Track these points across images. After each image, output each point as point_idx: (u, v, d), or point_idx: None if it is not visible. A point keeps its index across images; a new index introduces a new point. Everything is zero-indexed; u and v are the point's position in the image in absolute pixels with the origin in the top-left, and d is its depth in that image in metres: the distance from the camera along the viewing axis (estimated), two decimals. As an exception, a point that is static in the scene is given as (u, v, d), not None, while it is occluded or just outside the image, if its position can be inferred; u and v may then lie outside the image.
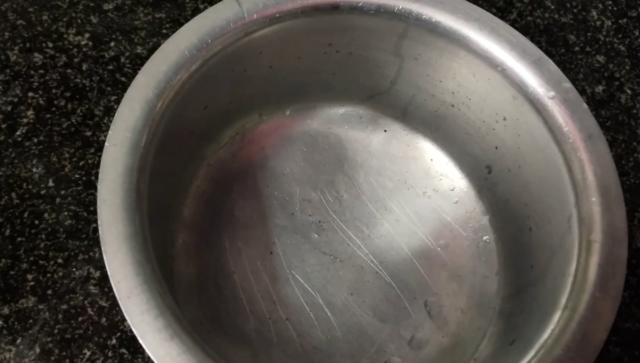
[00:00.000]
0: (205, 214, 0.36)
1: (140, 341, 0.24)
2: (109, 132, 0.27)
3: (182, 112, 0.30)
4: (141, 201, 0.27)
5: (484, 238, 0.37)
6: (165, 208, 0.34)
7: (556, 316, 0.27)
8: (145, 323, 0.24)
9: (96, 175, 0.37)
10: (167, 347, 0.24)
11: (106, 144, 0.27)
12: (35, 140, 0.38)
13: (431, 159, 0.39)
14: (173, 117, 0.30)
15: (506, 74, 0.32)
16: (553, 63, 0.32)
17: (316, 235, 0.37)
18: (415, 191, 0.38)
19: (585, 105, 0.31)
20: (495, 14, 0.41)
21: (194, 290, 0.34)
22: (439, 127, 0.38)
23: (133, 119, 0.27)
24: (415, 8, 0.33)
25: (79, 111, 0.39)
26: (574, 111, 0.31)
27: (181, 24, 0.31)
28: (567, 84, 0.31)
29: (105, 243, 0.25)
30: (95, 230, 0.36)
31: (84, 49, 0.41)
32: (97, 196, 0.26)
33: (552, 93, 0.31)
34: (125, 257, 0.25)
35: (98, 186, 0.26)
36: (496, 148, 0.35)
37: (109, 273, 0.25)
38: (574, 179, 0.30)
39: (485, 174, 0.37)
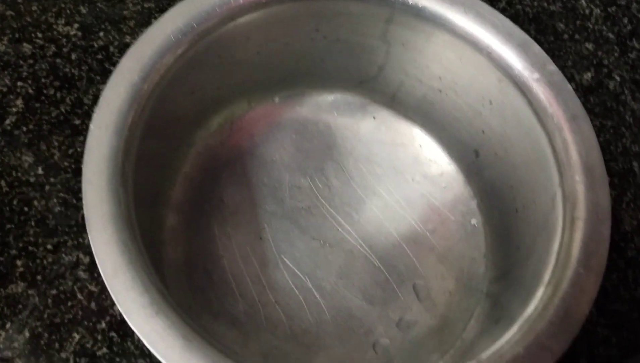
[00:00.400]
0: (194, 200, 0.36)
1: (126, 318, 0.24)
2: (94, 115, 0.27)
3: (169, 96, 0.31)
4: (127, 182, 0.27)
5: (472, 221, 0.37)
6: (154, 194, 0.34)
7: (540, 292, 0.27)
8: (130, 300, 0.24)
9: (86, 163, 0.37)
10: (152, 323, 0.24)
11: (91, 126, 0.27)
12: (25, 129, 0.38)
13: (420, 145, 0.39)
14: (159, 102, 0.30)
15: (492, 57, 0.32)
16: (538, 46, 0.32)
17: (305, 221, 0.37)
18: (404, 177, 0.39)
19: (569, 87, 0.31)
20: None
21: (183, 275, 0.34)
22: (427, 113, 0.39)
23: (118, 102, 0.28)
24: (401, -8, 0.33)
25: (68, 100, 0.39)
26: (558, 92, 0.31)
27: (169, 13, 0.32)
28: (552, 67, 0.31)
29: (90, 223, 0.25)
30: (85, 216, 0.36)
31: (73, 39, 0.41)
32: (82, 178, 0.26)
33: (536, 75, 0.31)
34: (110, 237, 0.25)
35: (83, 168, 0.26)
36: (483, 132, 0.36)
37: (94, 252, 0.25)
38: (558, 160, 0.30)
39: (473, 159, 0.37)
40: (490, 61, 0.32)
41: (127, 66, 0.28)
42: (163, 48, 0.29)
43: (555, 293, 0.27)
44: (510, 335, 0.26)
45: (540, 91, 0.31)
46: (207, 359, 0.24)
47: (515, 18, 0.46)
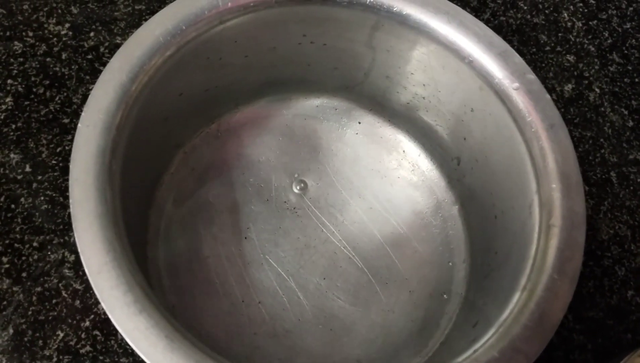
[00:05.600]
0: (180, 200, 0.37)
1: (109, 315, 0.24)
2: (82, 113, 0.28)
3: (157, 97, 0.31)
4: (113, 181, 0.27)
5: (453, 226, 0.38)
6: (140, 194, 0.35)
7: (515, 296, 0.28)
8: (114, 297, 0.24)
9: (73, 161, 0.37)
10: (135, 321, 0.24)
11: (79, 125, 0.27)
12: (14, 126, 0.38)
13: (403, 151, 0.40)
14: (147, 102, 0.30)
15: (473, 65, 0.33)
16: (518, 55, 0.33)
17: (290, 221, 0.37)
18: (389, 180, 0.39)
19: (548, 96, 0.32)
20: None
21: (168, 274, 0.35)
22: (411, 119, 0.39)
23: (106, 101, 0.28)
24: (387, 1, 0.34)
25: (57, 98, 0.39)
26: (537, 101, 0.32)
27: (160, 15, 0.32)
28: (531, 76, 0.32)
29: (77, 220, 0.26)
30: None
31: (64, 39, 0.41)
32: (70, 175, 0.26)
33: (516, 84, 0.32)
34: (95, 234, 0.25)
35: (70, 166, 0.27)
36: (464, 138, 0.36)
37: (79, 249, 0.25)
38: (536, 167, 0.31)
39: (454, 166, 0.38)
40: (472, 70, 0.33)
41: (116, 66, 0.29)
42: (152, 49, 0.30)
43: (531, 298, 0.28)
44: (485, 339, 0.27)
45: (520, 100, 0.32)
46: (189, 359, 0.24)
47: (498, 29, 0.48)
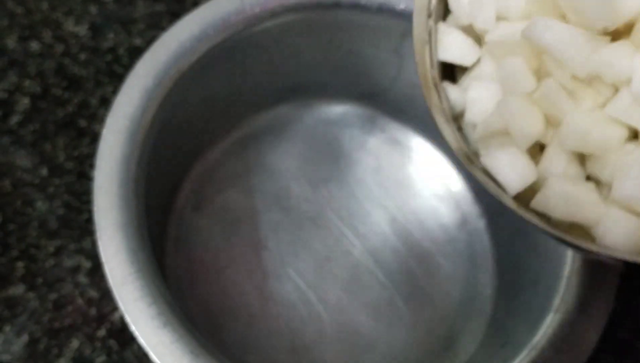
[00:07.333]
0: (199, 207, 0.36)
1: (133, 328, 0.24)
2: (107, 119, 0.27)
3: (181, 103, 0.30)
4: (137, 189, 0.26)
5: (479, 241, 0.37)
6: (159, 202, 0.34)
7: (548, 318, 0.27)
8: (138, 310, 0.24)
9: (90, 165, 0.37)
10: (160, 334, 0.23)
11: (103, 131, 0.27)
12: (30, 128, 0.37)
13: (429, 161, 0.39)
14: (171, 108, 0.29)
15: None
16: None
17: (311, 232, 0.36)
18: (412, 192, 0.38)
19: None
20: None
21: (185, 285, 0.34)
22: (438, 129, 0.38)
23: (131, 107, 0.27)
24: (418, 8, 0.33)
25: (74, 100, 0.39)
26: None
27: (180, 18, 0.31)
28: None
29: (100, 230, 0.25)
30: (88, 220, 0.35)
31: (82, 39, 0.41)
32: (94, 184, 0.26)
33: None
34: (120, 245, 0.25)
35: (95, 174, 0.26)
36: (493, 150, 0.35)
37: (102, 260, 0.24)
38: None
39: (481, 177, 0.37)
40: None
41: (142, 71, 0.28)
42: (178, 54, 0.29)
43: (564, 320, 0.27)
44: (517, 361, 0.26)
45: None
46: (213, 374, 0.24)
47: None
